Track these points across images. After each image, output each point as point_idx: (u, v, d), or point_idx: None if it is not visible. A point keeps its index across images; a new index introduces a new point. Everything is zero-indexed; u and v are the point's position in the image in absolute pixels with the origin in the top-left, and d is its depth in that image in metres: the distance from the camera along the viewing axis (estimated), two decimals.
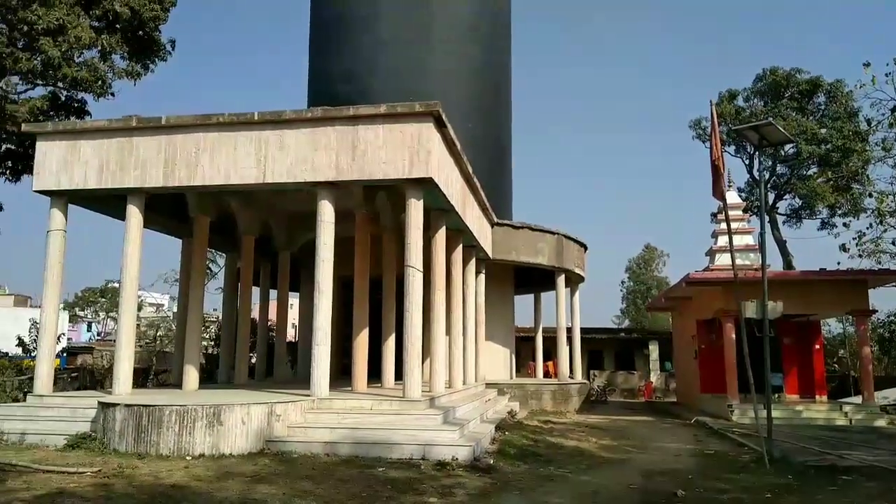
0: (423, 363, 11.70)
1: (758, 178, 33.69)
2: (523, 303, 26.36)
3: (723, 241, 21.68)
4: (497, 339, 21.05)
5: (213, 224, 14.58)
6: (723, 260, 21.29)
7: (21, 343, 20.12)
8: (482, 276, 18.57)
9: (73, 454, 9.43)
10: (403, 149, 11.06)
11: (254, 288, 17.77)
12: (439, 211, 12.75)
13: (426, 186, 11.31)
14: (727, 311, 17.96)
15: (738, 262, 18.39)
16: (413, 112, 11.09)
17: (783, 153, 32.95)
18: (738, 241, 20.56)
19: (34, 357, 14.41)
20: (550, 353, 25.37)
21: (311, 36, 23.48)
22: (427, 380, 12.72)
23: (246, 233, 15.78)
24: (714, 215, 27.45)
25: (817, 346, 21.20)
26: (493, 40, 22.85)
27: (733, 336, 18.20)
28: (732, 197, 22.70)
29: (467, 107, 20.20)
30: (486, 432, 11.43)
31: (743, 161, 35.54)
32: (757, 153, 32.61)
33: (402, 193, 11.51)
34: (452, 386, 14.34)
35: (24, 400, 12.33)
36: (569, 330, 21.94)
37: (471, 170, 14.13)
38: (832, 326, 31.20)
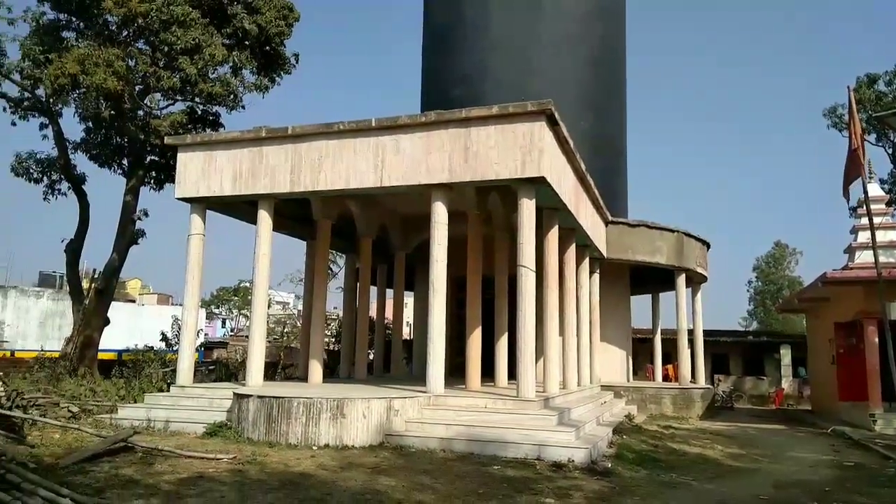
0: (536, 363, 11.65)
1: None
2: (641, 304, 25.57)
3: (864, 237, 19.94)
4: (613, 340, 20.54)
5: (334, 227, 15.26)
6: (864, 257, 19.58)
7: (164, 338, 21.98)
8: (596, 276, 18.21)
9: (211, 441, 10.18)
10: (515, 149, 11.07)
11: (371, 288, 18.44)
12: (551, 210, 12.65)
13: (538, 186, 11.27)
14: (869, 313, 16.55)
15: (882, 259, 16.89)
16: (525, 112, 11.08)
17: None
18: (881, 236, 18.83)
19: (176, 351, 15.67)
20: (670, 356, 24.42)
21: (425, 41, 23.99)
22: (540, 380, 12.66)
23: (364, 235, 16.38)
24: (854, 209, 25.31)
25: None
26: (606, 36, 22.32)
27: (876, 340, 16.73)
28: (875, 189, 20.84)
29: (580, 105, 19.88)
30: (602, 435, 11.21)
31: (886, 150, 32.60)
32: None
33: (514, 193, 11.53)
34: (566, 387, 14.18)
35: (168, 391, 13.44)
36: (690, 332, 21.03)
37: (584, 168, 13.91)
38: None
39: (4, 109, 19.67)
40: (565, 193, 12.69)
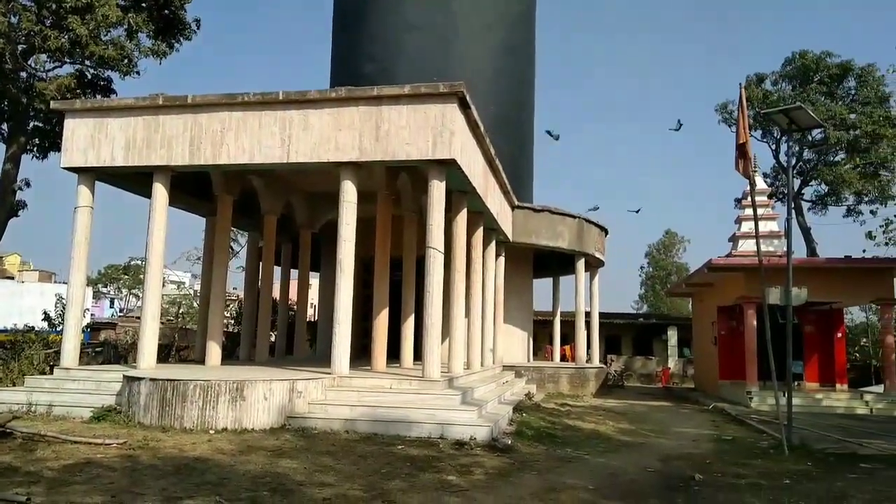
0: (441, 344, 11.77)
1: (784, 163, 33.15)
2: (542, 287, 26.35)
3: (747, 226, 21.44)
4: (516, 322, 21.08)
5: (236, 203, 14.70)
6: (746, 246, 21.06)
7: (47, 318, 20.51)
8: (502, 259, 18.57)
9: (99, 426, 9.65)
10: (427, 129, 11.05)
11: (275, 268, 17.94)
12: (461, 193, 12.74)
13: (449, 167, 11.31)
14: (749, 298, 17.82)
15: (763, 248, 18.20)
16: (437, 93, 11.06)
17: (811, 139, 32.38)
18: (763, 227, 20.31)
19: (60, 332, 14.70)
20: (568, 337, 25.35)
21: (336, 14, 23.41)
22: (446, 361, 12.80)
23: (268, 212, 15.90)
24: (738, 201, 27.04)
25: (839, 335, 20.98)
26: (519, 26, 22.62)
27: (754, 323, 18.07)
28: (758, 182, 22.39)
29: (491, 90, 20.07)
30: (503, 413, 11.50)
31: (769, 146, 35.01)
32: (784, 138, 32.08)
33: (424, 174, 11.52)
34: (471, 367, 14.43)
35: (51, 373, 12.60)
36: (587, 314, 21.91)
37: (493, 152, 14.09)
38: (855, 315, 30.83)
39: None
40: (475, 176, 12.81)
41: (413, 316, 13.66)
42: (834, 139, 30.25)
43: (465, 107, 11.45)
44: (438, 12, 20.78)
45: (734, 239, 21.95)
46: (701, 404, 18.88)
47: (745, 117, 10.62)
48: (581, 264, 20.98)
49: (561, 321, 25.22)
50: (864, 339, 28.47)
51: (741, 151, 10.55)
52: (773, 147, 34.72)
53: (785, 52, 54.16)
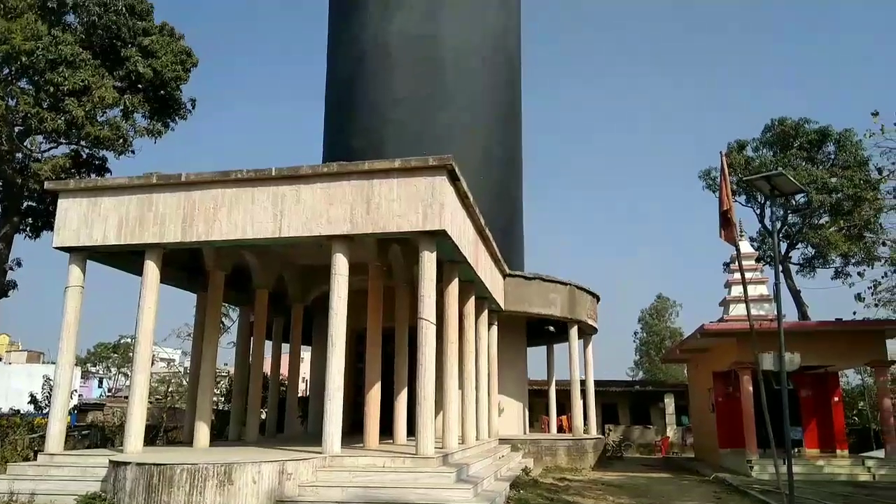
0: (435, 418, 11.56)
1: (770, 227, 33.65)
2: (536, 355, 26.13)
3: (736, 291, 21.55)
4: (510, 392, 20.78)
5: (227, 278, 14.68)
6: (737, 310, 21.11)
7: (33, 400, 20.07)
8: (494, 329, 18.48)
9: None
10: (417, 202, 11.20)
11: (266, 342, 17.76)
12: (452, 263, 12.81)
13: (439, 238, 11.40)
14: (743, 363, 17.70)
15: (753, 312, 18.23)
16: (427, 166, 11.28)
17: (794, 202, 32.97)
18: (752, 291, 20.43)
19: (46, 415, 14.34)
20: (564, 407, 24.95)
21: (328, 92, 24.10)
22: (440, 435, 12.54)
23: (260, 286, 15.87)
24: (727, 265, 27.30)
25: (836, 399, 20.76)
26: (506, 97, 23.33)
27: (750, 389, 17.89)
28: (745, 247, 22.66)
29: (480, 160, 20.50)
30: (500, 490, 11.19)
31: (754, 211, 35.57)
32: (768, 203, 32.66)
33: (415, 246, 11.60)
34: (465, 441, 14.12)
35: (36, 459, 12.22)
36: (582, 383, 21.66)
37: (483, 222, 14.25)
38: (850, 378, 30.65)
39: None
40: (465, 246, 12.91)
41: (406, 389, 13.47)
42: (817, 202, 30.81)
43: (454, 178, 11.66)
44: (427, 86, 21.43)
45: (725, 303, 22.02)
46: (702, 475, 18.46)
47: (728, 185, 10.86)
48: (574, 332, 20.90)
49: (557, 390, 24.87)
50: (862, 403, 28.19)
51: (725, 219, 10.72)
52: (758, 211, 35.31)
53: (763, 118, 55.72)
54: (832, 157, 32.82)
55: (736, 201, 32.15)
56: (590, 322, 21.57)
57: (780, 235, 34.29)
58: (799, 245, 34.67)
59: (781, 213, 33.83)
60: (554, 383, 24.95)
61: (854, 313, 22.04)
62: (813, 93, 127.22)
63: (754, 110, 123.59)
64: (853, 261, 31.40)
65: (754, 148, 34.70)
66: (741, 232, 24.04)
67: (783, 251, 34.30)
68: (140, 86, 18.93)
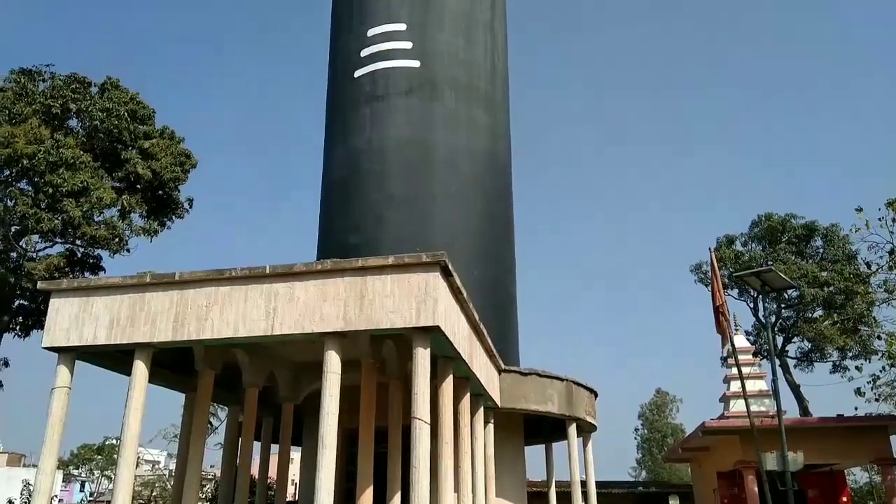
0: None
1: (764, 321, 33.61)
2: (534, 454, 25.36)
3: (735, 386, 21.23)
4: (507, 494, 19.96)
5: (217, 377, 14.42)
6: (738, 406, 20.73)
7: None
8: (491, 427, 18.01)
9: None
10: (410, 298, 11.20)
11: (255, 443, 17.23)
12: (446, 359, 12.66)
13: (433, 334, 11.32)
14: (747, 463, 17.23)
15: (753, 408, 17.87)
16: (420, 262, 11.36)
17: (787, 296, 33.10)
18: (751, 386, 20.14)
19: None
20: None
21: (323, 191, 24.61)
22: None
23: (250, 385, 15.55)
24: (724, 359, 27.03)
25: (845, 499, 20.09)
26: (497, 192, 23.86)
27: (756, 489, 17.30)
28: (741, 341, 22.55)
29: (472, 255, 20.69)
30: None
31: (748, 304, 35.63)
32: (761, 297, 32.82)
33: (409, 341, 11.50)
34: None
35: None
36: (583, 484, 20.88)
37: (477, 317, 14.20)
38: (857, 476, 29.71)
39: None
40: (459, 342, 12.80)
41: (399, 493, 12.95)
42: (809, 297, 30.95)
43: (447, 274, 11.72)
44: (419, 185, 21.94)
45: (725, 399, 21.65)
46: None
47: (719, 280, 10.96)
48: (573, 429, 20.35)
49: (557, 492, 23.95)
50: (871, 502, 27.19)
51: (718, 314, 10.74)
52: (752, 305, 35.37)
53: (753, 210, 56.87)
54: (821, 251, 33.28)
55: (728, 295, 32.29)
56: (588, 419, 21.06)
57: (775, 329, 34.20)
58: (794, 339, 34.52)
59: (775, 307, 33.93)
60: (554, 484, 24.04)
61: (856, 409, 21.66)
62: (798, 187, 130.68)
63: (742, 205, 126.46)
64: (850, 354, 31.20)
65: (743, 242, 35.19)
66: (736, 326, 24.00)
67: (779, 345, 34.10)
68: (139, 186, 19.33)
